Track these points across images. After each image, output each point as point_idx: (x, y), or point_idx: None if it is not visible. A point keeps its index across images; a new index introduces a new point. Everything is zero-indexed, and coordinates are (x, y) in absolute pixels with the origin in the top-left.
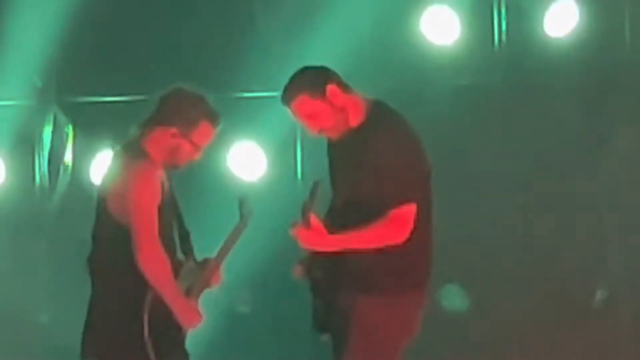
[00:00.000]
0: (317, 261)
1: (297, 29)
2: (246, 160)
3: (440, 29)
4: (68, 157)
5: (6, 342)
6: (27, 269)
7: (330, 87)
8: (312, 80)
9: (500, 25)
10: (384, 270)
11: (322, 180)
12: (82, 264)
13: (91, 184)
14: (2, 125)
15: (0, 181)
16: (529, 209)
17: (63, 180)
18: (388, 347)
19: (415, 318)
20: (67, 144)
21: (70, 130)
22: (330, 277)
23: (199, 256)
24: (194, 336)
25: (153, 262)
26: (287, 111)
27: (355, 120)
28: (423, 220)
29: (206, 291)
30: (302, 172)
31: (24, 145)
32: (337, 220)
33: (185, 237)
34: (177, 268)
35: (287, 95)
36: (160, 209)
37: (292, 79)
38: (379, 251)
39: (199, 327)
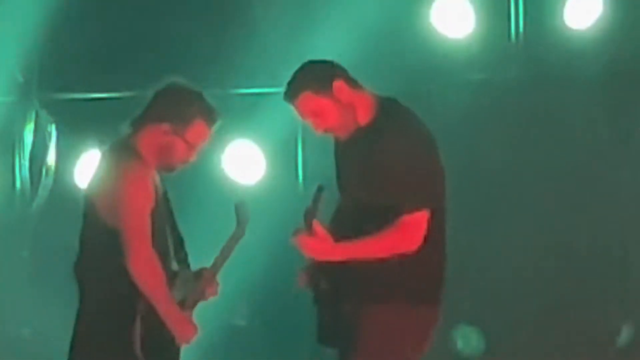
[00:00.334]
0: (321, 271)
1: (301, 21)
2: (243, 162)
3: (453, 21)
4: (51, 158)
5: None
6: (7, 278)
7: (337, 83)
8: (317, 76)
9: (517, 16)
10: (394, 282)
11: (325, 185)
12: (67, 272)
13: (75, 187)
14: None
15: None
16: (546, 215)
17: (45, 182)
18: None
19: (427, 334)
20: (49, 144)
21: (53, 129)
22: (336, 288)
23: (193, 266)
24: (189, 349)
25: (145, 268)
26: (288, 108)
27: (364, 118)
28: (436, 227)
29: (201, 303)
30: (304, 174)
31: (4, 144)
32: (343, 227)
33: (179, 245)
34: (171, 277)
35: (291, 92)
36: (153, 213)
37: (296, 75)
38: (389, 261)
39: (193, 340)
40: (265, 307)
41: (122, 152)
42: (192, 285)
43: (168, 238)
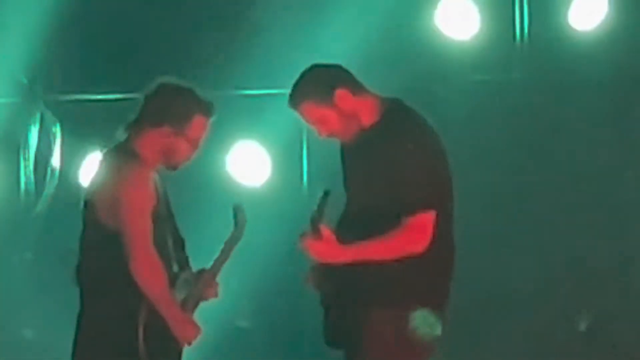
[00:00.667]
0: (328, 273)
1: (306, 23)
2: (248, 163)
3: (458, 22)
4: (55, 159)
5: None
6: (11, 279)
7: (339, 92)
8: (318, 86)
9: (521, 17)
10: (400, 284)
11: (331, 186)
12: (71, 274)
13: (80, 188)
14: None
15: None
16: (550, 216)
17: (50, 184)
18: None
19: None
20: (54, 145)
21: (57, 130)
22: (342, 290)
23: (196, 268)
24: (192, 351)
25: (147, 270)
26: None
27: (368, 121)
28: (443, 228)
29: (204, 303)
30: (309, 176)
31: (8, 146)
32: (350, 230)
33: (180, 246)
34: (172, 279)
35: (293, 100)
36: (154, 215)
37: (299, 81)
38: (395, 263)
39: (195, 341)
40: (269, 309)
41: (122, 155)
42: (192, 286)
43: (168, 239)
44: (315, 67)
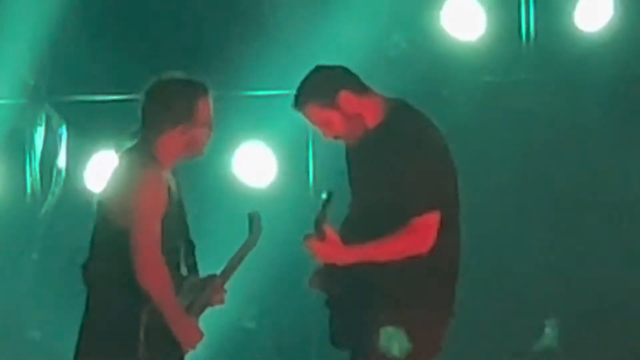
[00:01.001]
0: (333, 274)
1: (312, 24)
2: (254, 164)
3: (464, 23)
4: (61, 160)
5: None
6: (17, 280)
7: (343, 95)
8: (322, 88)
9: (528, 18)
10: (406, 284)
11: (336, 187)
12: (77, 275)
13: (86, 189)
14: None
15: None
16: (556, 216)
17: (56, 184)
18: None
19: (439, 336)
20: (60, 146)
21: (63, 131)
22: (348, 291)
23: (203, 269)
24: (198, 351)
25: (152, 272)
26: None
27: (373, 122)
28: (448, 229)
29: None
30: (314, 177)
31: (14, 147)
32: (354, 231)
33: (189, 250)
34: (179, 282)
35: (298, 102)
36: (165, 218)
37: (304, 83)
38: (400, 263)
39: (198, 346)
40: (275, 310)
41: (138, 157)
42: (199, 291)
43: (179, 243)
44: (319, 69)
